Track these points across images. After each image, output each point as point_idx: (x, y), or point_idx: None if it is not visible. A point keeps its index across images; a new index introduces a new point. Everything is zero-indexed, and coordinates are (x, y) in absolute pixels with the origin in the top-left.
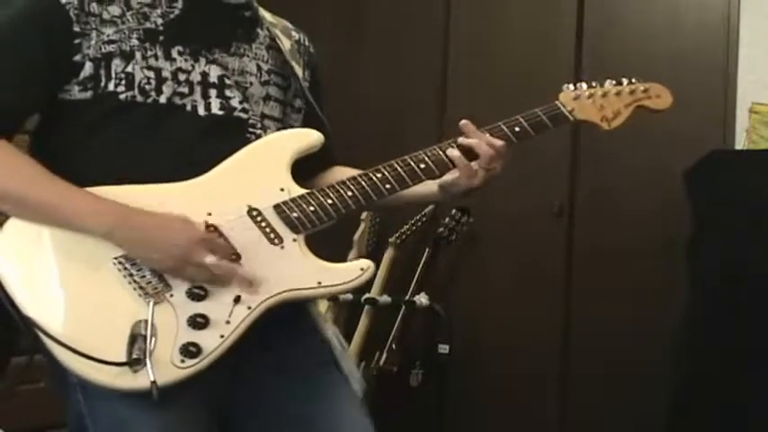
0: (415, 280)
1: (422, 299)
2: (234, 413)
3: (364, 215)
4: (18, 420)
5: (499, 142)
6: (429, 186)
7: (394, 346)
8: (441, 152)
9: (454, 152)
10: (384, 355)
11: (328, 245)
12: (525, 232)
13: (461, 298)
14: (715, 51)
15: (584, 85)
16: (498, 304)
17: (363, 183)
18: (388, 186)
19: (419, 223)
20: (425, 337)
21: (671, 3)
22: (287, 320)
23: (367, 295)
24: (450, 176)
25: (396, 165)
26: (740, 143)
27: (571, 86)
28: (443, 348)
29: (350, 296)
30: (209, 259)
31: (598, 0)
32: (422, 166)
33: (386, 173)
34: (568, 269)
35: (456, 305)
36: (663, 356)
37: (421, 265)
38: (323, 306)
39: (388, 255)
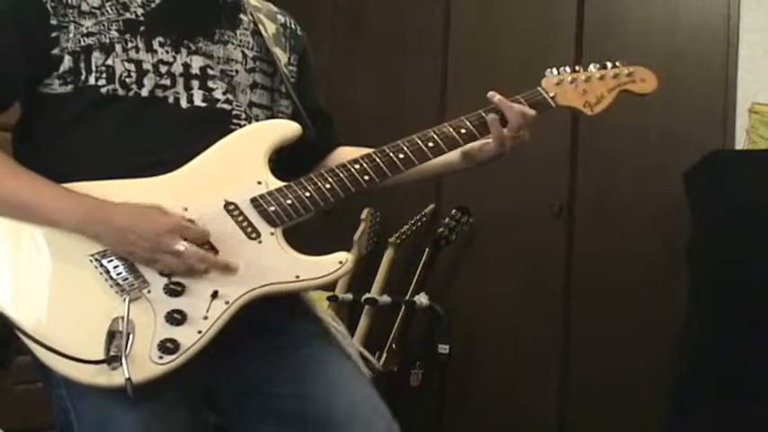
0: (415, 280)
1: (422, 299)
2: (230, 403)
3: (364, 215)
4: (18, 420)
5: (531, 111)
6: (450, 156)
7: (394, 346)
8: (420, 142)
9: (492, 116)
10: (384, 355)
11: (328, 245)
12: (525, 232)
13: (461, 298)
14: (715, 51)
15: (568, 69)
16: (498, 304)
17: (341, 174)
18: (366, 178)
19: (419, 223)
20: (425, 337)
21: (671, 3)
22: (280, 305)
23: (367, 295)
24: (478, 143)
25: (375, 156)
26: (740, 143)
27: (554, 71)
28: (443, 348)
29: (350, 296)
30: (181, 246)
31: (598, 0)
32: (400, 156)
33: (364, 164)
34: (568, 269)
35: (456, 305)
36: (663, 356)
37: (421, 265)
38: (323, 306)
39: (388, 255)
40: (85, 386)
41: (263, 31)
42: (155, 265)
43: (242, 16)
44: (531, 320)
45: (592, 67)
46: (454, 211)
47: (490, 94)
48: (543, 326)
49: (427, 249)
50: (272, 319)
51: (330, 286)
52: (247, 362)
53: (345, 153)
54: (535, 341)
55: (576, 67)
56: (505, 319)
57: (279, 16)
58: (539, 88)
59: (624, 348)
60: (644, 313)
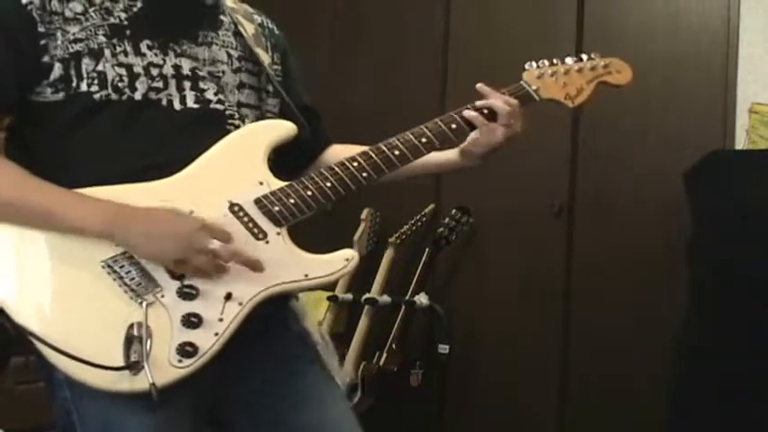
0: (415, 280)
1: (422, 299)
2: (222, 410)
3: (364, 215)
4: (18, 420)
5: (514, 100)
6: (447, 155)
7: (394, 346)
8: (413, 138)
9: (471, 113)
10: (384, 355)
11: (329, 245)
12: (525, 232)
13: (461, 298)
14: (715, 51)
15: (547, 62)
16: (498, 304)
17: (341, 172)
18: (364, 174)
19: (419, 223)
20: (425, 337)
21: (671, 4)
22: (269, 316)
23: (367, 295)
24: (470, 138)
25: (371, 153)
26: (740, 143)
27: (534, 64)
28: (443, 348)
29: (350, 296)
30: (215, 244)
31: (598, 2)
32: (396, 152)
33: (362, 161)
34: (568, 269)
35: (456, 305)
36: (663, 356)
37: (421, 265)
38: (323, 306)
39: (388, 255)
40: (90, 389)
41: (244, 32)
42: (183, 265)
43: (222, 17)
44: (531, 320)
45: (569, 60)
46: (454, 211)
47: (478, 85)
48: (543, 326)
49: (427, 249)
50: (264, 331)
51: (330, 286)
52: (242, 377)
53: (339, 151)
54: (535, 341)
55: (554, 60)
56: (505, 319)
57: (255, 16)
58: (522, 82)
59: (624, 348)
60: (644, 313)
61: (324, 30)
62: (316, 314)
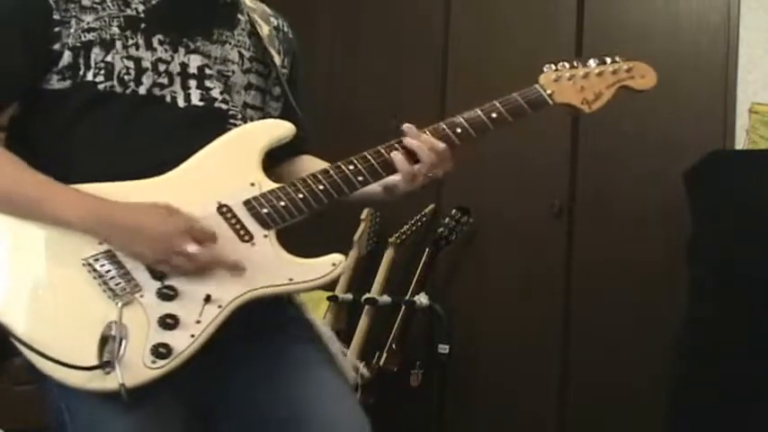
0: (415, 280)
1: (422, 299)
2: (216, 406)
3: (364, 215)
4: (18, 420)
5: (441, 146)
6: (373, 187)
7: (394, 346)
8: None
9: (397, 155)
10: (384, 355)
11: (328, 245)
12: (525, 232)
13: (461, 298)
14: (715, 51)
15: (567, 65)
16: (498, 304)
17: (335, 175)
18: (360, 178)
19: (419, 223)
20: (425, 337)
21: (671, 4)
22: (271, 308)
23: (367, 295)
24: (391, 178)
25: (368, 156)
26: (740, 143)
27: (552, 66)
28: (443, 348)
29: (350, 296)
30: (193, 248)
31: (598, 2)
32: (393, 154)
33: (358, 164)
34: (568, 269)
35: (456, 305)
36: (663, 357)
37: (421, 265)
38: (323, 306)
39: (388, 255)
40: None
41: (260, 31)
42: (163, 265)
43: (239, 16)
44: (531, 320)
45: (591, 62)
46: (454, 211)
47: (405, 126)
48: (543, 326)
49: (427, 249)
50: (263, 325)
51: (330, 286)
52: (234, 367)
53: (310, 162)
54: (535, 341)
55: (575, 63)
56: (505, 319)
57: (272, 18)
58: (536, 85)
59: (624, 348)
60: (644, 313)
61: (324, 30)
62: (316, 314)
